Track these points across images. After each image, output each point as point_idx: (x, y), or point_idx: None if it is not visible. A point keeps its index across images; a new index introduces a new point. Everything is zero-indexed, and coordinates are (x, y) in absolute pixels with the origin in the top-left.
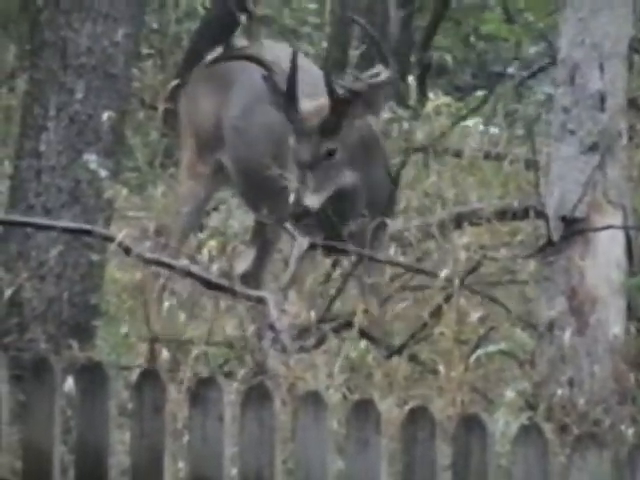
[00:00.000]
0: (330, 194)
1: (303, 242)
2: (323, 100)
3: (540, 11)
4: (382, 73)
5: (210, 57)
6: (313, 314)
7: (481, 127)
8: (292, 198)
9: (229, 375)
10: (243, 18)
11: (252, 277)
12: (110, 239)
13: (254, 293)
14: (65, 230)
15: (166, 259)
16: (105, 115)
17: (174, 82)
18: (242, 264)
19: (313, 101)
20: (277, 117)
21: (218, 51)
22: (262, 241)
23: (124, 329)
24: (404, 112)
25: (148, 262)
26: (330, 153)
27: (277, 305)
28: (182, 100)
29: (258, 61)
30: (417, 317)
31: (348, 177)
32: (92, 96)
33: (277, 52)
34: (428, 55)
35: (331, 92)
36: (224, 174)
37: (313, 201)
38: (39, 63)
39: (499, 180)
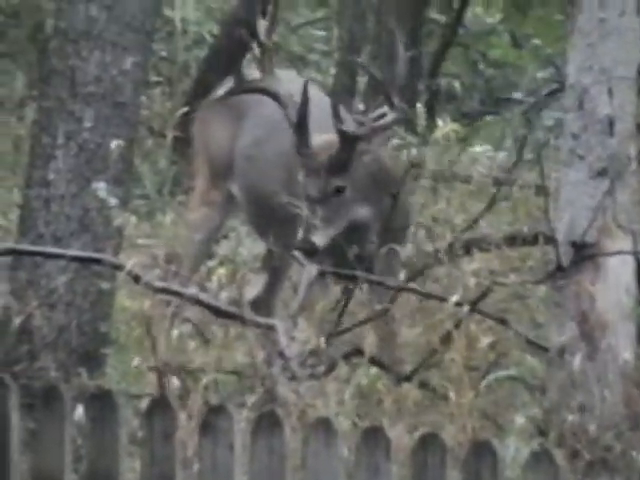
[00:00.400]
0: (339, 230)
1: (312, 269)
2: (332, 135)
3: (548, 37)
4: (388, 115)
5: (223, 89)
6: (323, 341)
7: (490, 153)
8: (300, 234)
9: (239, 403)
10: (253, 46)
11: (263, 304)
12: (119, 267)
13: (263, 320)
14: (75, 259)
15: (175, 287)
16: (114, 143)
17: (183, 110)
18: (253, 291)
19: (323, 135)
20: (288, 147)
21: (228, 81)
22: (272, 268)
23: (134, 357)
24: (413, 138)
25: (157, 290)
26: (339, 190)
27: (287, 332)
28: (196, 128)
29: (272, 95)
30: (427, 343)
31: (358, 211)
32: (101, 124)
33: (288, 83)
34: (436, 81)
35: (339, 129)
36: (234, 202)
37: (321, 239)
38: (48, 92)
39: (508, 206)
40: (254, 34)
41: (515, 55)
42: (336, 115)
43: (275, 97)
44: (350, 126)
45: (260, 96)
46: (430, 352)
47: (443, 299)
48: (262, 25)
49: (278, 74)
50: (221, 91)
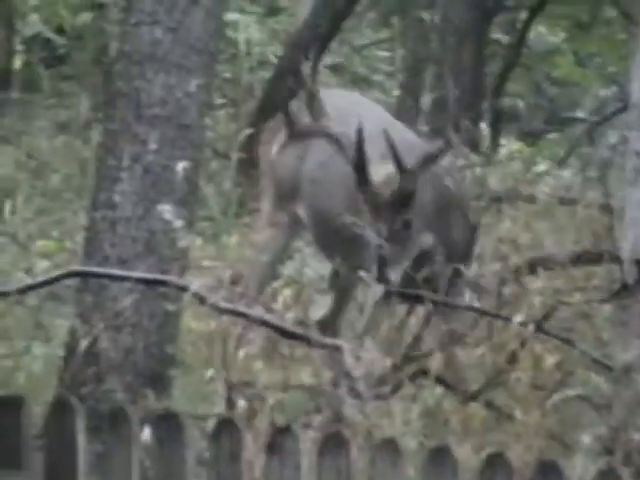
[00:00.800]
0: (410, 259)
1: (378, 289)
2: (392, 167)
3: (611, 55)
4: (443, 151)
5: (282, 137)
6: (389, 361)
7: (554, 171)
8: (375, 272)
9: (306, 423)
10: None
11: (329, 324)
12: (185, 289)
13: (329, 341)
14: (140, 281)
15: (241, 308)
16: (180, 165)
17: (247, 131)
18: (319, 311)
19: (385, 166)
20: (351, 169)
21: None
22: (339, 288)
23: (201, 377)
24: (477, 158)
25: (223, 311)
26: (406, 225)
27: (353, 353)
28: (263, 150)
29: (331, 137)
30: (493, 363)
31: (424, 238)
32: (166, 146)
33: (339, 99)
34: (500, 101)
35: (399, 165)
36: (300, 223)
37: (395, 274)
38: (113, 114)
39: (573, 225)
40: (300, 80)
41: (579, 74)
42: (393, 151)
43: (334, 139)
44: (409, 159)
45: (326, 116)
46: (496, 372)
47: (508, 319)
48: (306, 68)
49: (324, 94)
50: (280, 139)
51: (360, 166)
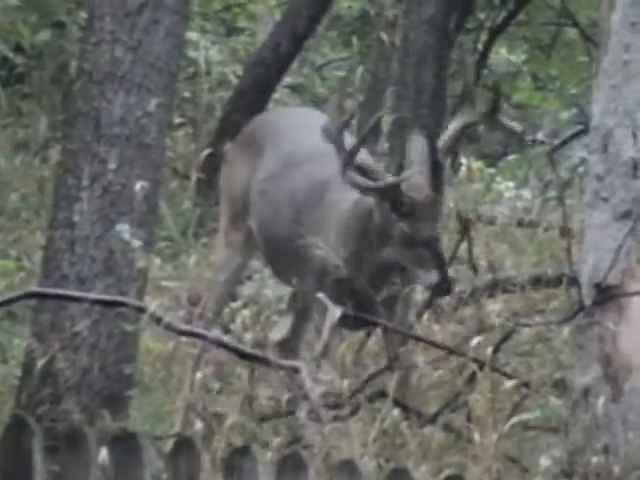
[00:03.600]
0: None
1: (335, 311)
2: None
3: (572, 78)
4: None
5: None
6: (346, 383)
7: (513, 192)
8: (435, 276)
9: (263, 444)
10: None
11: (289, 345)
12: (143, 310)
13: (287, 363)
14: (97, 302)
15: (198, 329)
16: (138, 185)
17: (206, 151)
18: (279, 332)
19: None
20: (302, 182)
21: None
22: (298, 309)
23: (158, 399)
24: None
25: (180, 333)
26: None
27: (311, 374)
28: (222, 169)
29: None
30: (451, 385)
31: (386, 251)
32: (125, 166)
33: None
34: None
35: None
36: (255, 241)
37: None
38: (72, 133)
39: (533, 247)
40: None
41: (539, 98)
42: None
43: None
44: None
45: (279, 130)
46: (454, 394)
47: (454, 352)
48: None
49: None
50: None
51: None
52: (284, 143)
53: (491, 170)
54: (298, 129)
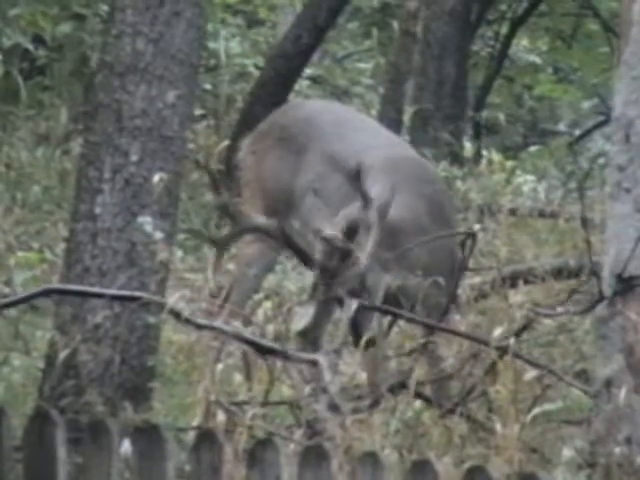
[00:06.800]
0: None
1: (352, 303)
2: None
3: (593, 68)
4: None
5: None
6: (367, 375)
7: (533, 184)
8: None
9: (286, 436)
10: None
11: (311, 336)
12: (161, 305)
13: (307, 356)
14: (116, 298)
15: (217, 323)
16: (156, 177)
17: (226, 143)
18: (301, 322)
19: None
20: (348, 186)
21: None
22: (321, 300)
23: (180, 391)
24: (458, 171)
25: (199, 327)
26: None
27: (331, 367)
28: (246, 160)
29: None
30: (472, 375)
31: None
32: (147, 158)
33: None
34: (481, 114)
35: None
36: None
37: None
38: (94, 126)
39: (554, 238)
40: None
41: (560, 90)
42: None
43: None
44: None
45: (320, 128)
46: (474, 384)
47: (481, 341)
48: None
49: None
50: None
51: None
52: (329, 142)
53: (512, 162)
54: (339, 127)
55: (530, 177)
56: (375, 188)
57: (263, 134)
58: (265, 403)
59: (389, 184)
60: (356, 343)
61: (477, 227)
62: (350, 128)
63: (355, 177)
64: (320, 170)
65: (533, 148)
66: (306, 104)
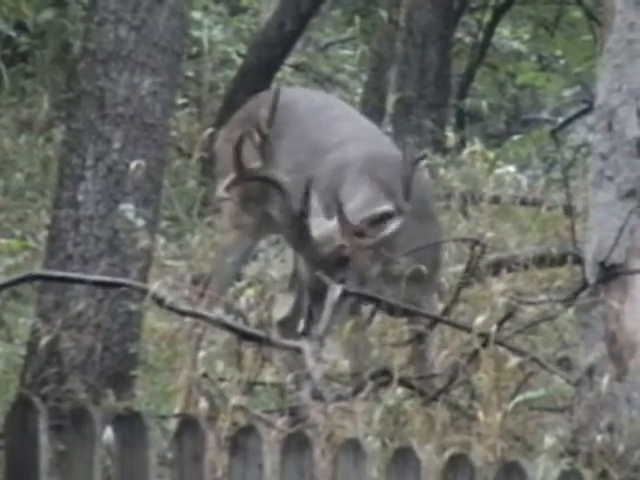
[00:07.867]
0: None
1: (336, 289)
2: (334, 225)
3: (576, 56)
4: (392, 224)
5: (228, 179)
6: (350, 362)
7: (515, 174)
8: (302, 325)
9: (269, 423)
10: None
11: (291, 323)
12: (144, 291)
13: (290, 343)
14: (98, 284)
15: (200, 310)
16: (134, 164)
17: (209, 131)
18: (281, 311)
19: (328, 222)
20: (326, 169)
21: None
22: (301, 288)
23: (162, 378)
24: (441, 159)
25: (182, 313)
26: (341, 281)
27: (314, 354)
28: (222, 147)
29: (276, 184)
30: (454, 363)
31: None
32: (130, 145)
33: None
34: (464, 101)
35: (343, 221)
36: (270, 224)
37: (320, 332)
38: (76, 113)
39: (537, 226)
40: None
41: (543, 79)
42: (339, 207)
43: (278, 187)
44: (395, 180)
45: (298, 114)
46: (457, 372)
47: (464, 329)
48: (263, 116)
49: (290, 96)
50: (226, 180)
51: (302, 219)
52: (309, 131)
53: (494, 151)
54: (319, 116)
55: (512, 168)
56: (356, 188)
57: (239, 122)
58: (252, 384)
59: (369, 184)
60: (307, 330)
61: (487, 236)
62: (329, 116)
63: (305, 192)
64: (299, 159)
65: (516, 137)
66: (283, 91)
